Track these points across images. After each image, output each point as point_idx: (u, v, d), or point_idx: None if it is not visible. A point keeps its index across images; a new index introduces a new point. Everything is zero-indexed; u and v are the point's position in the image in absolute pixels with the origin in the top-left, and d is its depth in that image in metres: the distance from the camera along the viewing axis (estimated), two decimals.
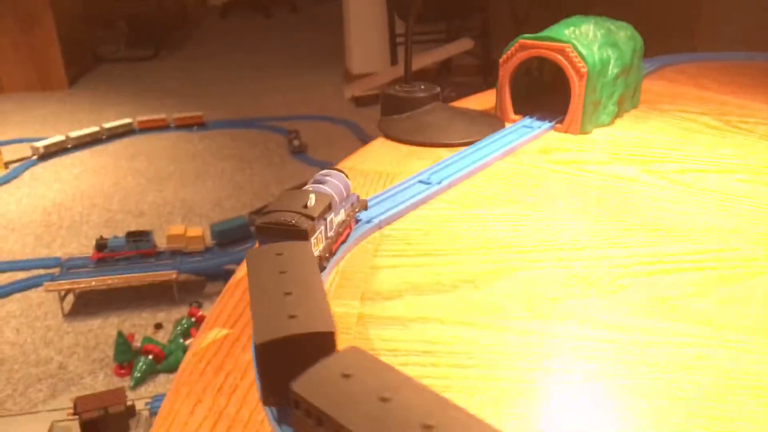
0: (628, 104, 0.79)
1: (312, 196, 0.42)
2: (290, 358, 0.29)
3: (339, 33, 3.27)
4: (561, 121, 0.73)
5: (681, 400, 0.32)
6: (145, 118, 2.66)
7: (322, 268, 0.43)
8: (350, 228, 0.48)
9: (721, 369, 0.34)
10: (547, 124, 0.74)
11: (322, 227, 0.42)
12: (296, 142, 2.26)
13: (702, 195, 0.55)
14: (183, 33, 4.78)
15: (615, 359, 0.35)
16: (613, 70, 0.73)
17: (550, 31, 0.73)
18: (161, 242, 1.58)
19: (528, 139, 0.70)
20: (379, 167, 0.64)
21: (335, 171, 0.47)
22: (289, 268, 0.34)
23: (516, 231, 0.50)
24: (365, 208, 0.51)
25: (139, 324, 1.44)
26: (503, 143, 0.68)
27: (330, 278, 0.44)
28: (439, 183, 0.59)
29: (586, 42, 0.72)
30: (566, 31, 0.72)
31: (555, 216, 0.52)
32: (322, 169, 0.48)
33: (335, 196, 0.44)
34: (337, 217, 0.45)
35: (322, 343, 0.29)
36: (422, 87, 0.78)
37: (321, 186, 0.45)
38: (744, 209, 0.52)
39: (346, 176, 0.47)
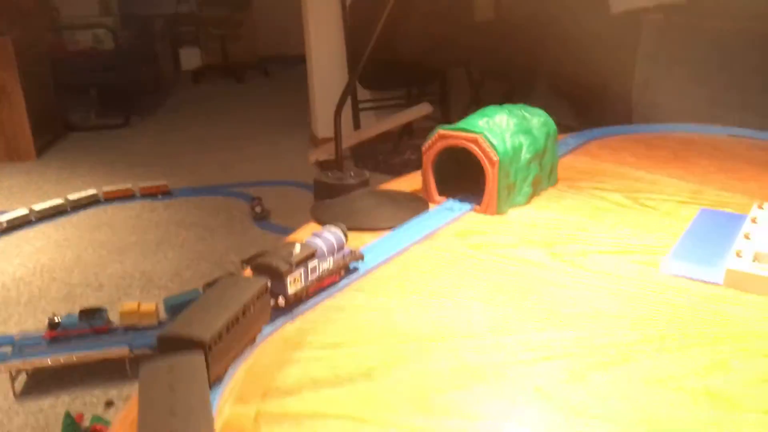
0: (545, 183, 0.85)
1: (298, 246, 0.54)
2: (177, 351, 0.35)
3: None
4: (480, 203, 0.78)
5: None
6: (110, 188, 2.69)
7: (297, 305, 0.55)
8: (339, 275, 0.60)
9: None
10: (467, 206, 0.78)
11: (302, 270, 0.54)
12: (258, 209, 2.30)
13: (597, 278, 0.60)
14: (155, 99, 4.86)
15: None
16: (525, 155, 0.79)
17: (465, 123, 0.78)
18: (116, 317, 1.58)
19: (448, 222, 0.75)
20: None
21: (333, 227, 0.60)
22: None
23: (418, 320, 0.53)
24: (361, 258, 0.62)
25: (90, 402, 1.43)
26: (424, 227, 0.72)
27: (236, 375, 0.47)
28: (355, 269, 0.62)
29: (499, 131, 0.78)
30: (480, 122, 0.78)
31: (458, 303, 0.56)
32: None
33: (323, 246, 0.56)
34: (324, 264, 0.57)
35: (195, 347, 0.35)
36: (352, 174, 0.83)
37: (313, 238, 0.57)
38: (630, 292, 0.57)
39: (343, 231, 0.60)
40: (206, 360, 0.40)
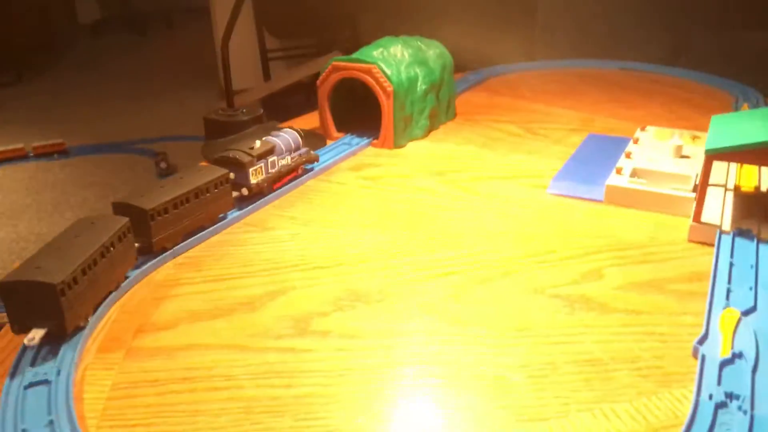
0: (443, 117, 0.85)
1: (258, 142, 0.59)
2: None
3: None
4: (377, 138, 0.76)
5: (424, 387, 0.35)
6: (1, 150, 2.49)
7: (263, 196, 0.60)
8: (296, 173, 0.65)
9: (460, 361, 0.38)
10: (365, 141, 0.77)
11: (262, 164, 0.59)
12: (163, 165, 2.20)
13: (487, 202, 0.60)
14: (50, 55, 4.50)
15: (361, 364, 0.38)
16: (421, 86, 0.78)
17: (360, 53, 0.76)
18: None
19: (344, 157, 0.73)
20: None
21: (289, 128, 0.64)
22: (85, 234, 0.42)
23: (307, 249, 0.52)
24: (316, 160, 0.67)
25: None
26: (319, 162, 0.71)
27: (108, 314, 0.44)
28: (246, 207, 0.60)
29: (394, 62, 0.76)
30: (374, 53, 0.76)
31: (349, 232, 0.55)
32: None
33: (281, 144, 0.62)
34: (282, 161, 0.62)
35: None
36: (244, 110, 0.79)
37: (271, 137, 0.62)
38: (517, 213, 0.58)
39: (299, 133, 0.64)
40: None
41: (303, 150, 0.66)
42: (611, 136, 0.76)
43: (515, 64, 1.16)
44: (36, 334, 0.37)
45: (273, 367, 0.38)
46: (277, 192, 0.63)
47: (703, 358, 0.36)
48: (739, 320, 0.39)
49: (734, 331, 0.38)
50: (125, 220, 0.45)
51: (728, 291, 0.42)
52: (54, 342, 0.39)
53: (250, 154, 0.57)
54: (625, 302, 0.43)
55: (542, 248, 0.51)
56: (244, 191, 0.58)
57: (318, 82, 0.78)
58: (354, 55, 0.76)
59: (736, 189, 0.56)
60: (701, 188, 0.50)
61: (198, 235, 0.54)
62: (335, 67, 0.76)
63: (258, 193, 0.60)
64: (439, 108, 0.82)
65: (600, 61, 1.19)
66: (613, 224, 0.55)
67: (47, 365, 0.37)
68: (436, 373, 0.37)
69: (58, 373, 0.36)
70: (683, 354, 0.38)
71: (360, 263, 0.50)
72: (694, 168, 0.59)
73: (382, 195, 0.63)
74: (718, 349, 0.36)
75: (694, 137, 0.69)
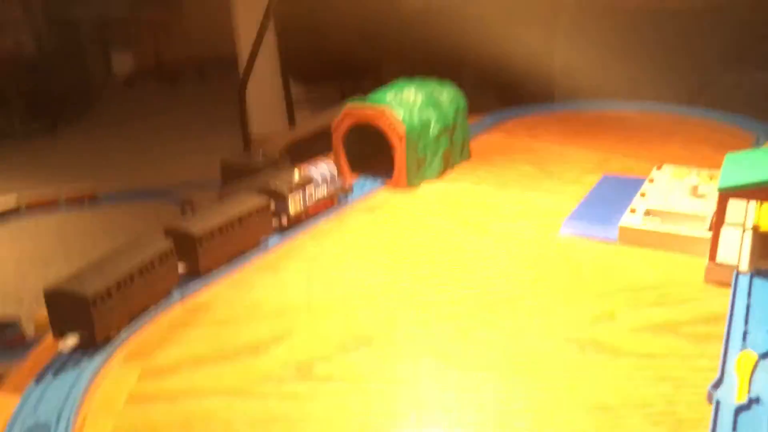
0: (457, 158, 0.85)
1: (296, 172, 0.65)
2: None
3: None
4: (391, 179, 0.77)
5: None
6: (32, 196, 2.56)
7: (297, 224, 0.64)
8: (333, 202, 0.69)
9: (464, 407, 0.37)
10: (379, 182, 0.77)
11: (300, 194, 0.63)
12: (190, 212, 2.24)
13: (500, 242, 0.60)
14: (85, 105, 4.67)
15: (363, 411, 0.37)
16: (434, 129, 0.78)
17: (373, 97, 0.77)
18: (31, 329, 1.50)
19: (358, 198, 0.73)
20: None
21: (326, 160, 0.70)
22: (129, 252, 0.45)
23: (316, 292, 0.52)
24: (350, 191, 0.72)
25: None
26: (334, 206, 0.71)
27: (114, 355, 0.44)
28: (265, 248, 0.60)
29: (407, 105, 0.77)
30: (387, 96, 0.77)
31: (360, 273, 0.55)
32: None
33: (317, 176, 0.66)
34: (319, 191, 0.67)
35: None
36: (261, 153, 0.80)
37: (308, 169, 0.67)
38: (530, 253, 0.57)
39: (336, 165, 0.70)
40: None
41: (338, 181, 0.71)
42: (627, 177, 0.75)
43: (533, 105, 1.17)
44: (70, 340, 0.42)
45: (273, 414, 0.38)
46: (290, 234, 0.63)
47: (718, 403, 0.34)
48: (757, 363, 0.37)
49: (751, 375, 0.36)
50: (168, 242, 0.49)
51: (745, 333, 0.40)
52: (86, 349, 0.42)
53: (290, 185, 0.62)
54: (637, 345, 0.42)
55: (554, 289, 0.50)
56: (284, 220, 0.62)
57: (333, 126, 0.79)
58: (367, 99, 0.77)
59: (755, 228, 0.54)
60: (716, 227, 0.49)
61: (206, 276, 0.54)
62: (348, 111, 0.77)
63: (296, 222, 0.64)
64: (452, 149, 0.83)
65: (619, 102, 1.19)
66: (627, 265, 0.53)
67: (49, 407, 0.37)
68: (439, 421, 0.36)
69: (58, 420, 0.36)
70: (698, 399, 0.36)
71: (367, 305, 0.49)
72: (710, 207, 0.58)
73: (394, 235, 0.63)
74: (734, 393, 0.35)
75: (712, 176, 0.67)
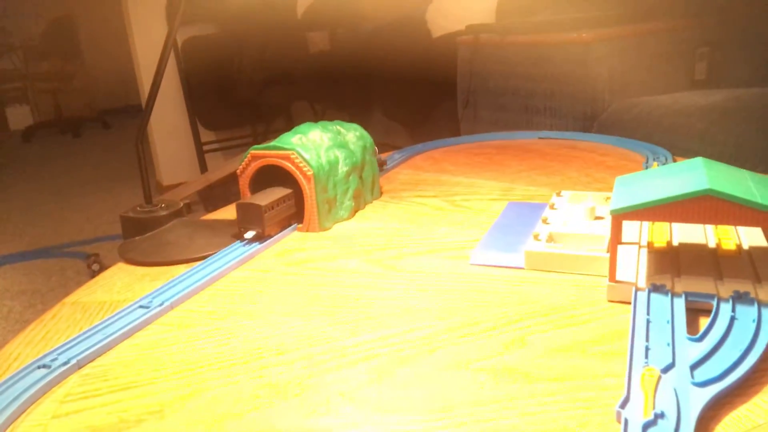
0: (369, 196, 0.85)
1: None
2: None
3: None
4: (301, 223, 0.76)
5: None
6: None
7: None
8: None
9: None
10: (291, 227, 0.76)
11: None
12: (95, 266, 2.12)
13: (410, 278, 0.60)
14: None
15: None
16: (343, 168, 0.78)
17: (278, 141, 0.77)
18: None
19: (268, 245, 0.72)
20: (104, 297, 0.62)
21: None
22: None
23: (225, 346, 0.50)
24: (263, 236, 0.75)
25: None
26: (241, 252, 0.69)
27: None
28: (161, 305, 0.57)
29: (313, 147, 0.77)
30: (293, 139, 0.77)
31: (270, 322, 0.53)
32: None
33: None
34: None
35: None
36: (163, 205, 0.77)
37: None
38: (440, 286, 0.57)
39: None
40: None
41: None
42: (530, 203, 0.78)
43: (439, 140, 1.20)
44: (249, 234, 0.70)
45: None
46: (194, 287, 0.60)
47: (626, 422, 0.35)
48: (659, 378, 0.38)
49: (655, 391, 0.37)
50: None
51: (647, 349, 0.41)
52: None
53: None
54: (549, 370, 0.42)
55: (465, 321, 0.50)
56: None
57: (238, 171, 0.77)
58: (272, 143, 0.76)
59: (649, 245, 0.57)
60: (612, 247, 0.51)
61: (103, 342, 0.50)
62: (254, 156, 0.76)
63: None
64: (363, 188, 0.83)
65: (520, 133, 1.24)
66: (535, 290, 0.55)
67: None
68: None
69: None
70: (608, 419, 0.37)
71: (279, 355, 0.47)
72: (607, 228, 0.61)
73: (305, 280, 0.61)
74: (640, 410, 0.36)
75: (608, 198, 0.71)
